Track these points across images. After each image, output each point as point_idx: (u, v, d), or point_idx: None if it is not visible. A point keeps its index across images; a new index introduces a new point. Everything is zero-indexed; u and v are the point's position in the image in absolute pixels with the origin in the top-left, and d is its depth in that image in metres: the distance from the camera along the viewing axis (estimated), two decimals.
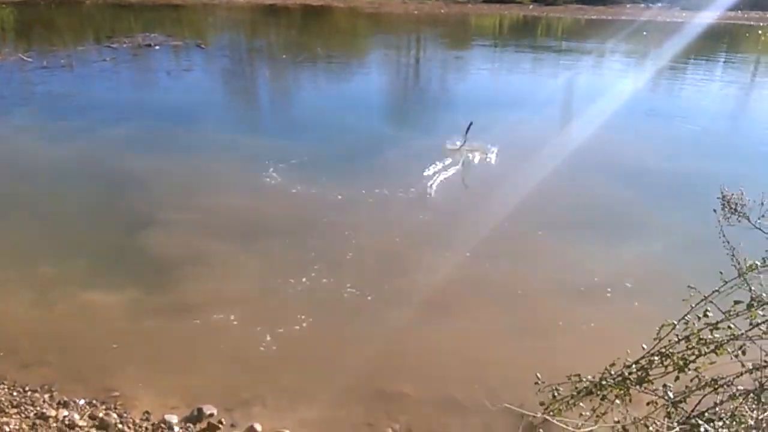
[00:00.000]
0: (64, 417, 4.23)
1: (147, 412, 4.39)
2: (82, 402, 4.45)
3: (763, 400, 3.05)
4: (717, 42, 27.98)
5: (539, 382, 3.97)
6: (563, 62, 22.20)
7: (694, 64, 22.05)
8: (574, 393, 3.99)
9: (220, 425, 4.30)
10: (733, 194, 3.21)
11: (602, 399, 3.83)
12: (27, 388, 4.56)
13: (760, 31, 34.52)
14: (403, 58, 23.15)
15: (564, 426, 3.83)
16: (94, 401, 4.48)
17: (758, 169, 9.90)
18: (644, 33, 30.36)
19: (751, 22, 40.19)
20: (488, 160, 10.02)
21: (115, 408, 4.41)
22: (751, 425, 3.16)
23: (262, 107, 15.08)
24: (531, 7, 46.36)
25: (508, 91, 16.55)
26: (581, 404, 3.99)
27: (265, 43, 24.47)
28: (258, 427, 4.31)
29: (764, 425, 3.20)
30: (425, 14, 38.53)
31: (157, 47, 20.33)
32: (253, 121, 13.08)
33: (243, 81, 17.54)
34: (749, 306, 3.05)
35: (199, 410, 4.40)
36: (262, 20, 31.97)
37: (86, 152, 10.00)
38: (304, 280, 6.24)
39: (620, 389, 3.74)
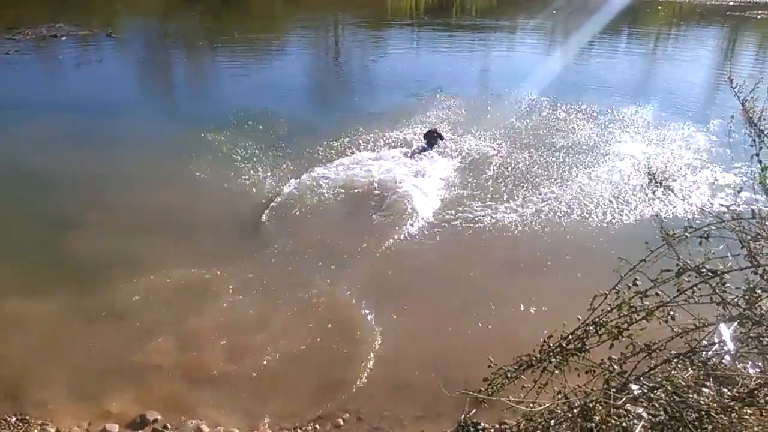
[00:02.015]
0: None
1: (87, 423, 4.23)
2: (14, 420, 4.23)
3: (694, 361, 3.23)
4: (621, 17, 29.20)
5: (492, 365, 4.06)
6: (478, 41, 22.61)
7: (599, 39, 22.96)
8: (516, 367, 4.12)
9: (165, 430, 4.19)
10: (657, 168, 3.36)
11: (542, 371, 3.97)
12: None
13: (659, 7, 36.36)
14: (322, 40, 22.90)
15: (506, 401, 3.98)
16: (28, 417, 4.27)
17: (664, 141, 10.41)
18: (553, 12, 31.29)
19: None
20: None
21: (52, 422, 4.22)
22: (683, 385, 3.36)
23: (182, 97, 14.54)
24: None
25: (428, 71, 16.61)
26: (523, 377, 4.12)
27: (180, 30, 23.56)
28: (205, 428, 4.24)
29: (694, 384, 3.41)
30: None
31: (63, 38, 19.16)
32: (174, 113, 12.59)
33: (159, 70, 16.84)
34: (678, 274, 3.21)
35: (142, 417, 4.28)
36: (175, 5, 30.73)
37: None
38: (240, 276, 6.14)
39: (559, 360, 3.88)
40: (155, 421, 4.25)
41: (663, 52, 21.95)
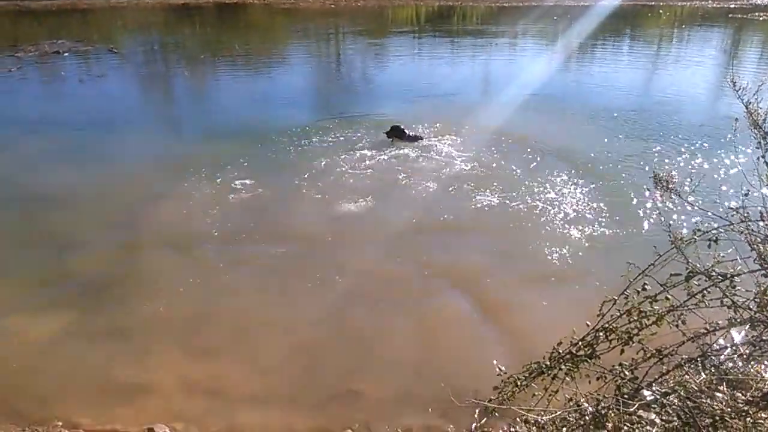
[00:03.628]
0: None
1: None
2: None
3: (706, 365, 3.19)
4: (624, 22, 29.35)
5: (501, 373, 4.04)
6: (479, 48, 22.68)
7: (602, 43, 23.03)
8: (526, 375, 4.09)
9: None
10: (663, 174, 3.33)
11: (553, 378, 3.94)
12: None
13: (660, 11, 36.56)
14: (323, 51, 23.00)
15: (516, 410, 3.94)
16: (38, 430, 4.24)
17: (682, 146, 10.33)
18: (554, 18, 31.42)
19: (652, 3, 42.42)
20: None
21: None
22: (695, 390, 3.32)
23: (184, 111, 14.57)
24: None
25: (430, 78, 16.68)
26: (534, 385, 4.09)
27: (182, 44, 23.70)
28: None
29: (707, 389, 3.38)
30: (342, 8, 38.43)
31: (65, 54, 19.32)
32: (176, 126, 12.62)
33: (161, 84, 16.94)
34: (687, 277, 3.18)
35: (151, 429, 4.25)
36: (176, 20, 30.97)
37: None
38: (244, 288, 6.13)
39: (569, 367, 3.85)
40: None
41: (666, 55, 21.99)
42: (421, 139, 10.50)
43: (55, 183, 8.70)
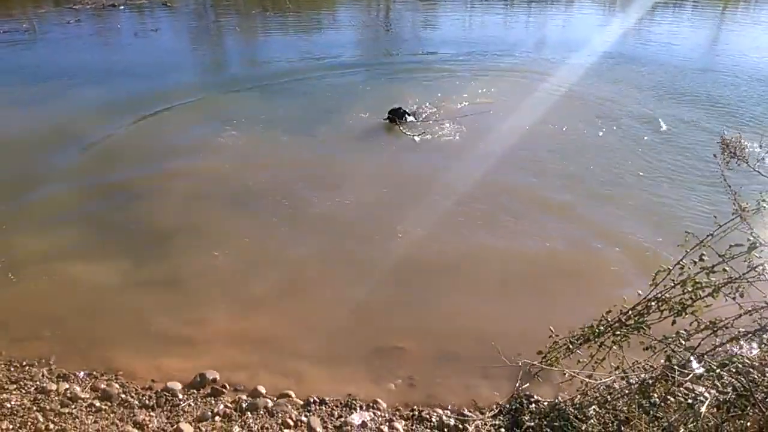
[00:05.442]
0: (66, 390, 4.20)
1: (150, 381, 4.38)
2: (82, 374, 4.41)
3: (763, 340, 3.10)
4: None
5: (552, 335, 4.01)
6: (536, 5, 21.97)
7: (663, 3, 22.00)
8: (572, 341, 4.05)
9: (224, 389, 4.31)
10: (732, 138, 3.19)
11: (600, 345, 3.89)
12: (24, 363, 4.50)
13: None
14: (373, 7, 22.67)
15: (565, 371, 3.92)
16: (95, 373, 4.44)
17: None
18: None
19: None
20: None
21: (117, 378, 4.39)
22: (749, 365, 3.24)
23: (234, 65, 14.64)
24: None
25: (484, 39, 16.27)
26: (579, 351, 4.05)
27: None
28: (262, 389, 4.33)
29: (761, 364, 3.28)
30: None
31: (121, 7, 19.60)
32: (226, 80, 12.62)
33: (214, 39, 17.02)
34: (750, 249, 3.07)
35: (202, 376, 4.40)
36: None
37: (58, 117, 9.67)
38: (297, 244, 6.20)
39: (618, 335, 3.79)
40: (214, 380, 4.37)
41: (733, 15, 20.88)
42: (416, 116, 9.60)
43: (110, 131, 8.92)
